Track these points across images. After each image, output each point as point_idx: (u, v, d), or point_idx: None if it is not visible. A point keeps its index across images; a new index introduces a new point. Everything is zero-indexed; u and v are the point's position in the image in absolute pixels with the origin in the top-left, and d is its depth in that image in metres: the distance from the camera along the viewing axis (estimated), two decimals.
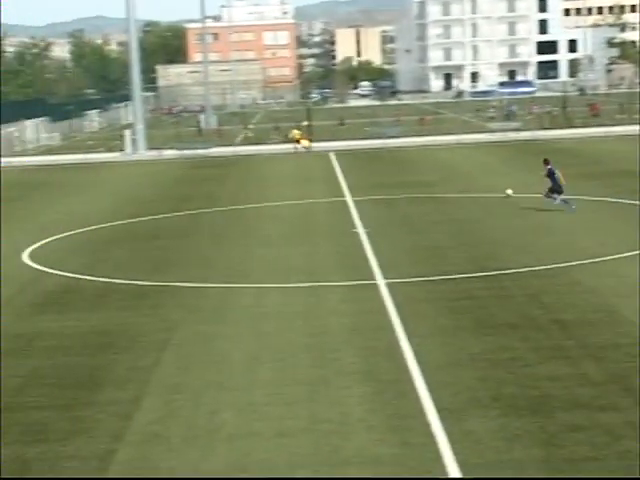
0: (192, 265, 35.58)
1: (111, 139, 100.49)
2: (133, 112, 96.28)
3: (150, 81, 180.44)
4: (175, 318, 27.74)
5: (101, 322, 27.88)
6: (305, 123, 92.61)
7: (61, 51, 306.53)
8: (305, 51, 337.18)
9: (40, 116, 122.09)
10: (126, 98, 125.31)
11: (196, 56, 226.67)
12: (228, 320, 27.51)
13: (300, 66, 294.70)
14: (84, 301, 30.88)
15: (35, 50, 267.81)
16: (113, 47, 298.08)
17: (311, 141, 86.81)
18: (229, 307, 29.09)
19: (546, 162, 43.91)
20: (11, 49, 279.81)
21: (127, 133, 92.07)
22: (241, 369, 22.71)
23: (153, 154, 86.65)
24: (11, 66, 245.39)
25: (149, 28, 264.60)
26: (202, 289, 31.49)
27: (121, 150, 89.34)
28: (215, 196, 54.66)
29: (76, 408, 20.46)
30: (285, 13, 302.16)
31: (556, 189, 42.94)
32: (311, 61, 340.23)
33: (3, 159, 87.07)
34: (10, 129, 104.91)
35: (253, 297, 30.18)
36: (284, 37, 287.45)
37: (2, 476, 14.11)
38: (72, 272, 34.94)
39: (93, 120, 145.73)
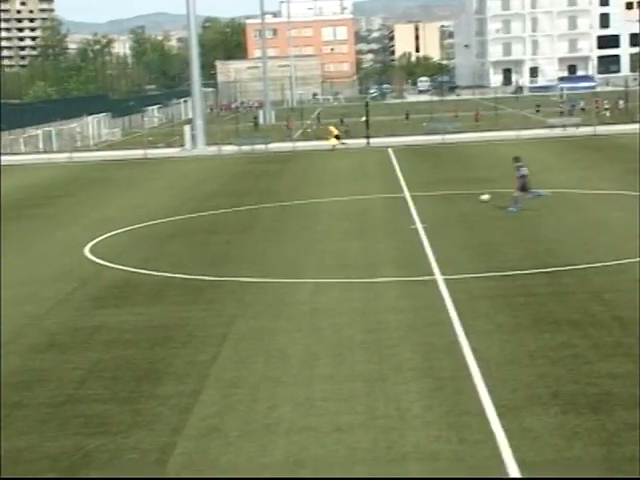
0: (250, 260, 35.65)
1: (171, 135, 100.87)
2: (192, 108, 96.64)
3: (209, 77, 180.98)
4: (233, 313, 27.85)
5: (160, 316, 28.04)
6: (364, 118, 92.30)
7: (122, 47, 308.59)
8: (364, 47, 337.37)
9: (101, 112, 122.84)
10: (186, 94, 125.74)
11: (255, 52, 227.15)
12: (285, 315, 27.56)
13: (358, 62, 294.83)
14: (143, 295, 31.09)
15: (97, 47, 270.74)
16: (173, 43, 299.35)
17: (337, 137, 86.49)
18: (287, 302, 29.13)
19: (516, 160, 44.37)
20: (74, 46, 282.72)
21: (187, 129, 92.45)
22: (298, 364, 22.75)
23: (212, 150, 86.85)
24: (74, 63, 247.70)
25: (209, 24, 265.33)
26: (260, 284, 31.53)
27: (181, 146, 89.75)
28: (273, 191, 54.79)
29: (136, 401, 20.60)
30: (344, 9, 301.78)
31: (522, 188, 43.13)
32: (369, 57, 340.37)
33: (65, 154, 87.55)
34: (72, 125, 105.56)
35: (311, 292, 30.23)
36: (343, 33, 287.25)
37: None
38: (132, 267, 35.14)
39: (153, 116, 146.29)
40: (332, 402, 19.83)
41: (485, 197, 45.70)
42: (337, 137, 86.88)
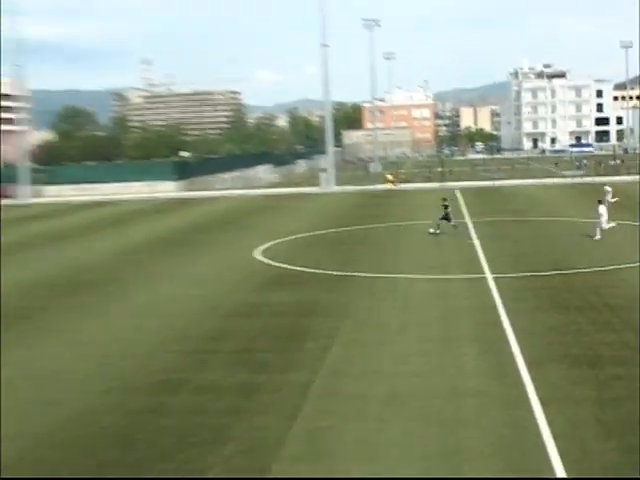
0: (365, 261, 35.63)
1: (312, 178, 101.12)
2: (326, 161, 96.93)
3: (338, 141, 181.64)
4: (353, 296, 27.88)
5: (305, 297, 28.18)
6: (440, 169, 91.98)
7: (282, 121, 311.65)
8: (439, 121, 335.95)
9: (267, 163, 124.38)
10: (322, 152, 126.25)
11: (368, 124, 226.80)
12: (388, 298, 27.55)
13: (436, 131, 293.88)
14: (294, 283, 31.24)
15: (266, 121, 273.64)
16: (315, 118, 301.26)
17: (393, 182, 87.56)
18: (389, 289, 29.08)
19: (444, 199, 45.37)
20: (252, 120, 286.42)
21: (322, 175, 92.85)
22: (396, 330, 22.78)
23: (339, 188, 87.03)
24: (252, 131, 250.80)
25: (338, 107, 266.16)
26: (371, 277, 31.49)
27: (318, 186, 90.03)
28: (381, 216, 54.71)
29: (289, 352, 20.77)
30: (427, 97, 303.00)
31: (446, 218, 43.52)
32: (443, 128, 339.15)
33: (244, 190, 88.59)
34: (249, 172, 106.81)
35: (406, 283, 30.14)
36: (426, 112, 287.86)
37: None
38: (287, 264, 35.32)
39: (301, 166, 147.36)
40: (417, 356, 19.90)
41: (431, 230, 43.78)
42: (392, 182, 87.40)
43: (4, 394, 18.26)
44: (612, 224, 39.87)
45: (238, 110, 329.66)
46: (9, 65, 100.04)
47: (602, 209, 39.79)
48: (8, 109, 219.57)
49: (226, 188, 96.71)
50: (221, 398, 17.19)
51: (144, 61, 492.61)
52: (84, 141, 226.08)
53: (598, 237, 38.63)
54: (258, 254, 38.74)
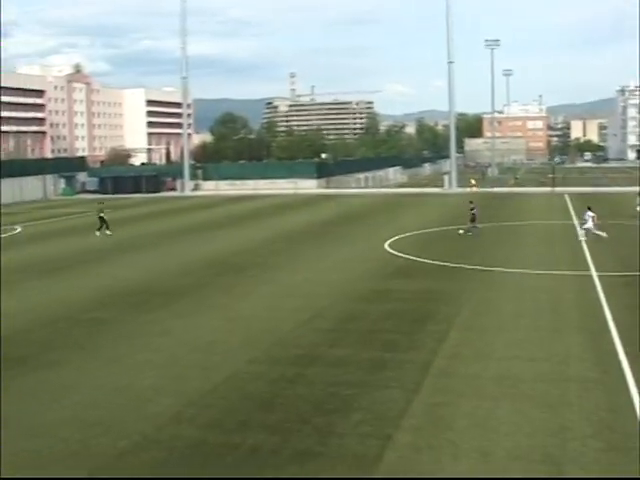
0: (483, 256, 35.10)
1: (436, 180, 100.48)
2: (449, 165, 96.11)
3: (460, 147, 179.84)
4: (470, 286, 27.57)
5: (428, 286, 28.02)
6: (550, 175, 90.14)
7: (410, 129, 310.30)
8: (551, 132, 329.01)
9: (397, 165, 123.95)
10: (446, 157, 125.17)
11: (487, 133, 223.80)
12: (502, 289, 27.18)
13: (548, 141, 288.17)
14: (418, 273, 31.08)
15: (396, 129, 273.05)
16: (440, 127, 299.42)
17: (476, 186, 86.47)
18: (502, 282, 28.64)
19: (471, 202, 45.51)
20: (383, 128, 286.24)
21: (446, 177, 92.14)
22: (508, 318, 22.46)
23: (460, 190, 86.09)
24: (383, 137, 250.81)
25: (461, 117, 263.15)
26: (487, 271, 31.06)
27: (442, 187, 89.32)
28: (495, 216, 53.88)
29: (412, 334, 20.70)
30: (540, 109, 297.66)
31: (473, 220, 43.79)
32: (555, 139, 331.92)
33: (376, 189, 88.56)
34: (379, 173, 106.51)
35: (517, 277, 29.59)
36: (539, 124, 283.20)
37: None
38: (412, 256, 35.18)
39: (426, 169, 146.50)
40: (527, 343, 19.60)
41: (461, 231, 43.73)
42: (475, 185, 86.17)
43: (167, 357, 18.81)
44: None
45: (372, 118, 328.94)
46: (177, 77, 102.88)
47: None
48: (176, 115, 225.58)
49: (360, 187, 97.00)
50: (352, 372, 17.25)
51: (291, 74, 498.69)
52: (238, 143, 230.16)
53: None
54: (387, 246, 38.71)
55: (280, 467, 12.34)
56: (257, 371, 17.54)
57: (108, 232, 47.93)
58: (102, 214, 48.90)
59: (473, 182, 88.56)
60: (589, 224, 39.51)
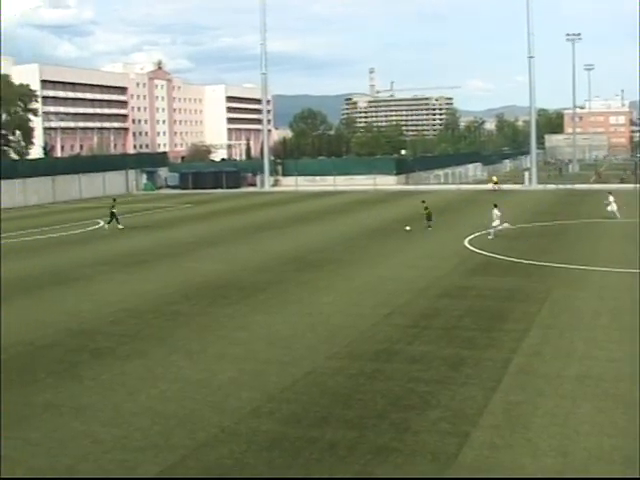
0: (562, 253, 34.60)
1: (516, 177, 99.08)
2: (530, 161, 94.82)
3: (540, 143, 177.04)
4: (550, 285, 27.21)
5: (507, 283, 27.72)
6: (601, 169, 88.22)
7: (490, 125, 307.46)
8: (635, 128, 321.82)
9: (476, 162, 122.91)
10: (526, 153, 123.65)
11: (568, 129, 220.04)
12: (582, 287, 26.76)
13: (631, 137, 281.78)
14: (498, 270, 30.78)
15: (475, 124, 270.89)
16: (520, 123, 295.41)
17: (497, 183, 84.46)
18: (583, 280, 28.18)
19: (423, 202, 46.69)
20: (463, 124, 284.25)
21: (526, 174, 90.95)
22: (587, 318, 22.13)
23: (540, 187, 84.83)
24: (463, 133, 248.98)
25: (541, 112, 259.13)
26: (567, 268, 30.59)
27: (522, 183, 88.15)
28: (576, 213, 53.05)
29: (491, 331, 20.57)
30: (623, 105, 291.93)
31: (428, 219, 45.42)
32: (637, 134, 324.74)
33: (455, 186, 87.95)
34: (459, 169, 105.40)
35: (598, 276, 29.08)
36: (622, 119, 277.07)
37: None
38: (492, 253, 34.88)
39: (506, 165, 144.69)
40: (608, 342, 19.36)
41: (408, 227, 44.35)
42: (496, 182, 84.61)
43: (246, 352, 19.04)
44: None
45: (451, 114, 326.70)
46: (257, 73, 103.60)
47: None
48: (256, 111, 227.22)
49: (439, 183, 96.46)
50: (430, 368, 17.23)
51: (370, 70, 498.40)
52: (317, 139, 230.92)
53: None
54: (467, 243, 38.46)
55: (357, 463, 12.42)
56: (336, 366, 17.63)
57: (120, 226, 51.14)
58: (113, 210, 52.21)
59: (495, 179, 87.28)
60: None
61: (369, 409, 14.78)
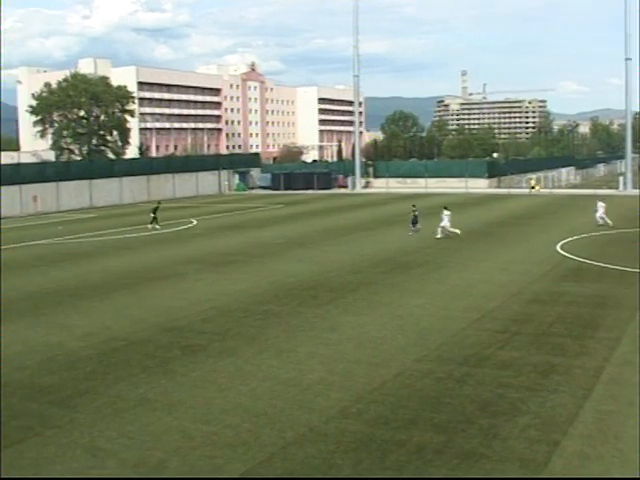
0: None
1: (611, 181, 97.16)
2: (625, 165, 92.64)
3: (636, 147, 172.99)
4: None
5: (600, 290, 27.12)
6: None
7: (584, 128, 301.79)
8: None
9: (569, 166, 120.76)
10: (621, 157, 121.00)
11: None
12: None
13: None
14: (590, 276, 30.14)
15: (569, 128, 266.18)
16: (615, 126, 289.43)
17: (534, 187, 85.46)
18: None
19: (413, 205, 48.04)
20: (555, 127, 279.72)
21: (621, 178, 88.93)
22: None
23: (635, 192, 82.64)
24: (556, 136, 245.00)
25: (637, 116, 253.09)
26: None
27: (616, 188, 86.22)
28: None
29: (583, 339, 20.20)
30: None
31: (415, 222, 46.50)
32: None
33: (547, 190, 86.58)
34: (552, 173, 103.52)
35: None
36: None
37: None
38: (583, 258, 34.20)
39: (600, 169, 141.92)
40: None
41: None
42: (533, 187, 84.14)
43: (335, 352, 19.12)
44: None
45: (544, 117, 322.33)
46: (349, 75, 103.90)
47: None
48: (348, 113, 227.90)
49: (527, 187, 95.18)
50: (520, 374, 17.01)
51: (462, 72, 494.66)
52: (408, 141, 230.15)
53: None
54: (559, 248, 37.81)
55: (444, 467, 12.35)
56: (425, 369, 17.57)
57: (158, 227, 52.84)
58: (155, 212, 54.01)
59: (533, 183, 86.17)
60: None
61: (457, 413, 14.69)
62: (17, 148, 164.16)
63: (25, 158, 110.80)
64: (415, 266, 33.20)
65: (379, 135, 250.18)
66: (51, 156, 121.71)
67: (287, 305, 25.43)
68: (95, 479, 12.41)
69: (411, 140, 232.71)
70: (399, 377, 17.02)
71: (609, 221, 46.75)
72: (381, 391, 16.11)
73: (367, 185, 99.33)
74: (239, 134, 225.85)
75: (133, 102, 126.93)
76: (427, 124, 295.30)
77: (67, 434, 14.16)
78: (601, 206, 47.70)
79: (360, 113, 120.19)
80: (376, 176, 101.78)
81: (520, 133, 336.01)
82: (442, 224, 43.20)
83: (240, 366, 18.19)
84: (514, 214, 58.08)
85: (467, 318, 22.73)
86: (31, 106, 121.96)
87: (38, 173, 77.29)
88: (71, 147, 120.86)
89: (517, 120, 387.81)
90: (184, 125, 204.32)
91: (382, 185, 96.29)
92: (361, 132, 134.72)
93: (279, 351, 19.49)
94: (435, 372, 17.31)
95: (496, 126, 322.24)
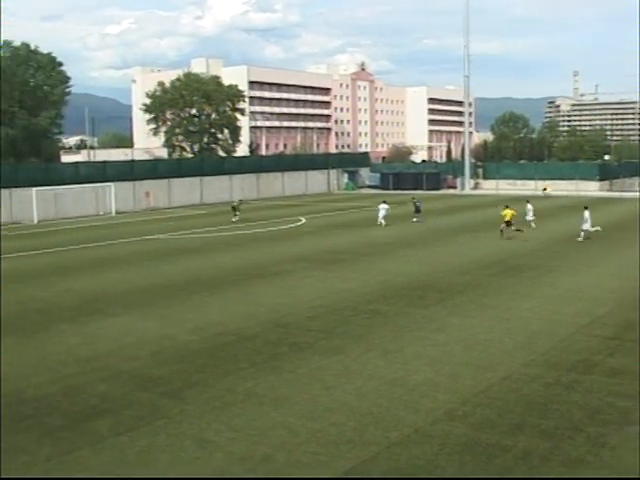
0: None
1: None
2: None
3: None
4: None
5: None
6: None
7: None
8: None
9: None
10: None
11: None
12: None
13: None
14: None
15: None
16: None
17: (547, 187, 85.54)
18: None
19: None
20: None
21: None
22: None
23: None
24: None
25: None
26: None
27: None
28: None
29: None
30: None
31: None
32: None
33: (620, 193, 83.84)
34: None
35: None
36: None
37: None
38: None
39: None
40: None
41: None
42: (544, 189, 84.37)
43: (442, 354, 18.98)
44: None
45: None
46: (460, 76, 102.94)
47: None
48: (457, 113, 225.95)
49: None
50: (630, 383, 16.52)
51: (574, 73, 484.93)
52: (518, 142, 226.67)
53: None
54: None
55: (550, 474, 12.11)
56: (532, 374, 17.27)
57: (234, 219, 57.34)
58: (238, 209, 58.75)
59: (544, 187, 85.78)
60: None
61: (565, 420, 14.38)
62: (131, 145, 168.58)
63: (138, 155, 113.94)
64: (526, 269, 32.62)
65: (489, 136, 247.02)
66: (163, 153, 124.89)
67: (395, 305, 25.39)
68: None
69: (521, 141, 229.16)
70: (506, 381, 16.79)
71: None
72: (487, 394, 15.92)
73: (476, 186, 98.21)
74: (348, 133, 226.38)
75: (244, 101, 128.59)
76: (537, 125, 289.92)
77: (176, 425, 14.50)
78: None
79: (470, 113, 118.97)
80: (486, 177, 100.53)
81: (633, 135, 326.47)
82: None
83: (346, 364, 18.25)
84: (626, 218, 56.40)
85: (576, 323, 22.24)
86: (145, 104, 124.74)
87: (151, 170, 79.40)
88: (183, 145, 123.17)
89: (630, 122, 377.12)
90: (294, 124, 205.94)
91: (492, 187, 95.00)
92: (471, 133, 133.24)
93: (386, 351, 19.46)
94: (543, 377, 16.99)
95: (608, 128, 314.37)
